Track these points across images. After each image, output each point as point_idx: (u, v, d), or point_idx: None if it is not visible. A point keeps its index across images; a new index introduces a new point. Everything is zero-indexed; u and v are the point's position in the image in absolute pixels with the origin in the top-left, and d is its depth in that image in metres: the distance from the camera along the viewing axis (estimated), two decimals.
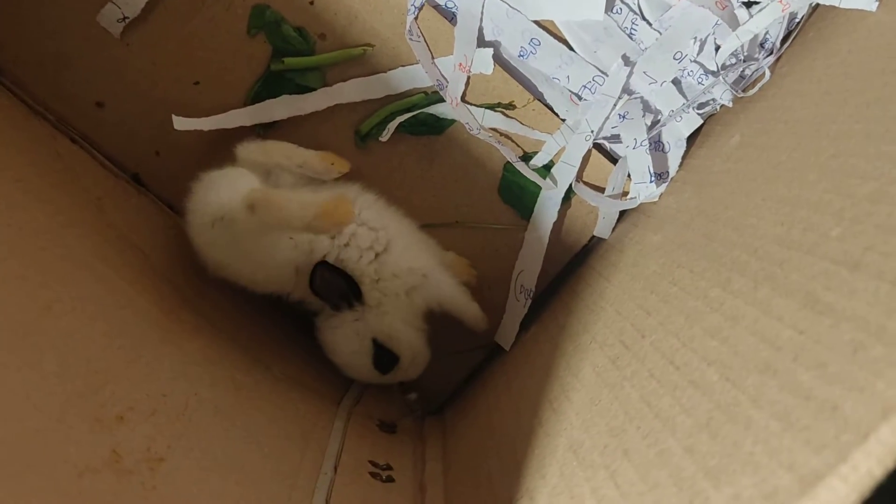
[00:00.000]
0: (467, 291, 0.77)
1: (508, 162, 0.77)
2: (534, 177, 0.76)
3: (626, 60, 0.73)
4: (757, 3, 0.72)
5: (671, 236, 0.62)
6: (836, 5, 0.63)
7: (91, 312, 0.54)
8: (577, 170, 0.76)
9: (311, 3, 0.75)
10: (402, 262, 0.73)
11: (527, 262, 0.81)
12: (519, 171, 0.76)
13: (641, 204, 0.75)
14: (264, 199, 0.67)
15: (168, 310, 0.65)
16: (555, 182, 0.77)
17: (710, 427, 0.39)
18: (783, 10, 0.69)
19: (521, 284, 0.81)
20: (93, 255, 0.62)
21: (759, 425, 0.35)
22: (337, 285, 0.71)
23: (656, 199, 0.73)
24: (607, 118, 0.74)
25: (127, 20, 0.75)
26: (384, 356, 0.73)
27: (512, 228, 0.81)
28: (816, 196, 0.46)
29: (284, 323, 0.81)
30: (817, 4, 0.70)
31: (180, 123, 0.75)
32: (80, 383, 0.47)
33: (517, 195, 0.79)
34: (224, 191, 0.70)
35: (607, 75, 0.73)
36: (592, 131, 0.74)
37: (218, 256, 0.71)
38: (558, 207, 0.78)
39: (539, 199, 0.79)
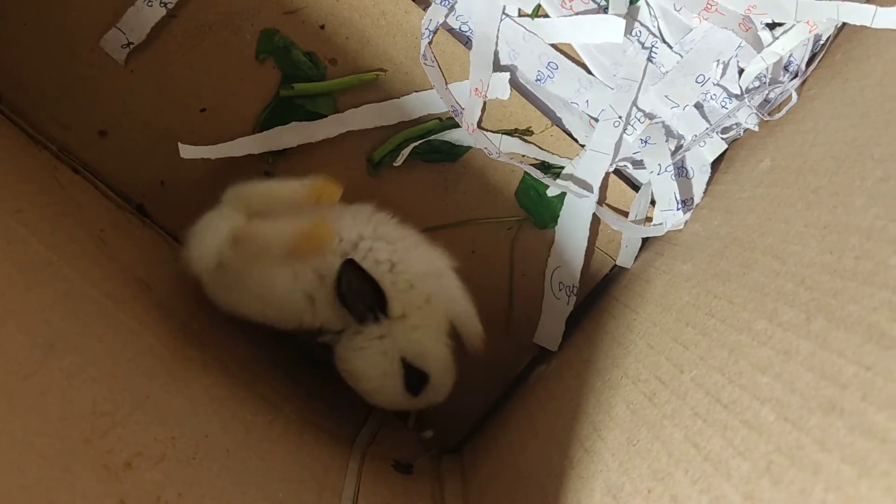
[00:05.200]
0: (475, 307, 0.72)
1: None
2: (561, 186, 0.73)
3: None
4: (780, 24, 0.70)
5: (703, 265, 0.59)
6: (868, 25, 0.62)
7: (95, 350, 0.51)
8: (610, 157, 0.73)
9: (322, 28, 0.73)
10: (418, 267, 0.69)
11: (563, 258, 0.77)
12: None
13: (666, 232, 0.72)
14: (244, 232, 0.66)
15: (174, 347, 0.62)
16: (583, 176, 0.74)
17: (770, 472, 0.36)
18: (810, 31, 0.67)
19: (560, 281, 0.77)
20: (95, 290, 0.59)
21: (829, 470, 0.32)
22: (364, 292, 0.65)
23: (681, 227, 0.71)
24: (633, 103, 0.71)
25: (131, 46, 0.73)
26: (414, 376, 0.67)
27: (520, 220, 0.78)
28: (868, 222, 0.44)
29: (292, 359, 0.78)
30: (843, 25, 0.69)
31: (187, 152, 0.72)
32: (86, 427, 0.44)
33: (534, 200, 0.76)
34: (210, 236, 0.67)
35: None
36: (620, 117, 0.71)
37: (229, 299, 0.69)
38: (596, 199, 0.75)
39: (568, 194, 0.76)
